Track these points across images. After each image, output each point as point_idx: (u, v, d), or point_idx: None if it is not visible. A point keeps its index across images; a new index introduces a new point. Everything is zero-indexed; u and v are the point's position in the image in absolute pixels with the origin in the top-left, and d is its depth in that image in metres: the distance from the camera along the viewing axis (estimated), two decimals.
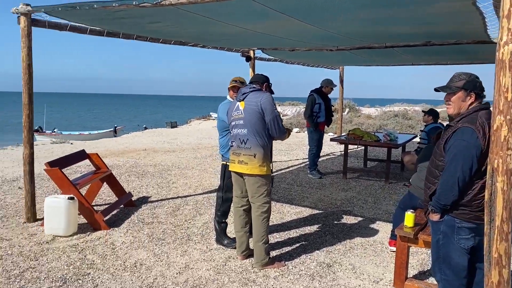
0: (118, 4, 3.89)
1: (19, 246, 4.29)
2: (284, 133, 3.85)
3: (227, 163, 4.17)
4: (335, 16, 4.36)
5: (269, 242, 3.97)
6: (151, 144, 11.96)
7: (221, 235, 4.43)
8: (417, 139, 8.30)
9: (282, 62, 9.10)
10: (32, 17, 4.70)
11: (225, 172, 4.29)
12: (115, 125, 27.83)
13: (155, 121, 43.05)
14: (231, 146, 3.91)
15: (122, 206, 5.63)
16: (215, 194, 6.19)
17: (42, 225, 4.72)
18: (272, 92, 3.98)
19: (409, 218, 3.41)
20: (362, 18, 4.42)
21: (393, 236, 4.29)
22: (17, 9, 4.62)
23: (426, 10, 3.93)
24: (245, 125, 3.74)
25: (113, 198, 6.00)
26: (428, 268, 3.96)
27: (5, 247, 4.25)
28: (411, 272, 3.85)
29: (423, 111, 7.78)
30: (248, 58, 7.87)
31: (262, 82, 3.95)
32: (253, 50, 7.86)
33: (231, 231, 4.55)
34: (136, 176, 7.65)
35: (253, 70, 7.95)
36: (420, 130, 7.98)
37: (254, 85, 3.87)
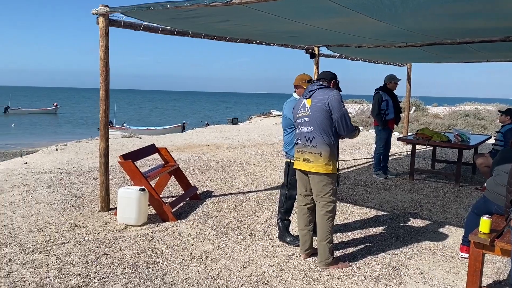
0: (190, 4, 4.01)
1: (95, 233, 4.58)
2: (353, 131, 3.77)
3: (292, 161, 4.16)
4: (406, 12, 4.20)
5: (333, 242, 3.93)
6: (213, 140, 12.24)
7: (284, 232, 4.44)
8: (492, 141, 7.81)
9: (347, 59, 8.93)
10: (109, 17, 4.97)
11: (289, 170, 4.29)
12: (183, 121, 29.26)
13: (216, 118, 44.01)
14: (296, 143, 3.90)
15: (188, 199, 5.83)
16: (277, 191, 6.23)
17: (115, 214, 5.01)
18: (339, 90, 3.92)
19: (485, 223, 3.22)
20: (434, 13, 4.23)
21: (465, 242, 4.08)
22: (97, 10, 4.91)
23: (506, 3, 3.68)
24: (311, 123, 3.72)
25: (179, 191, 6.23)
26: (504, 278, 3.73)
27: (82, 233, 4.56)
28: (485, 280, 3.64)
29: (499, 111, 7.29)
30: (313, 55, 7.81)
31: (330, 79, 3.90)
32: (318, 47, 7.78)
33: (293, 228, 4.56)
34: (200, 170, 7.88)
35: (317, 67, 7.88)
36: (496, 131, 7.50)
37: (322, 82, 3.83)
